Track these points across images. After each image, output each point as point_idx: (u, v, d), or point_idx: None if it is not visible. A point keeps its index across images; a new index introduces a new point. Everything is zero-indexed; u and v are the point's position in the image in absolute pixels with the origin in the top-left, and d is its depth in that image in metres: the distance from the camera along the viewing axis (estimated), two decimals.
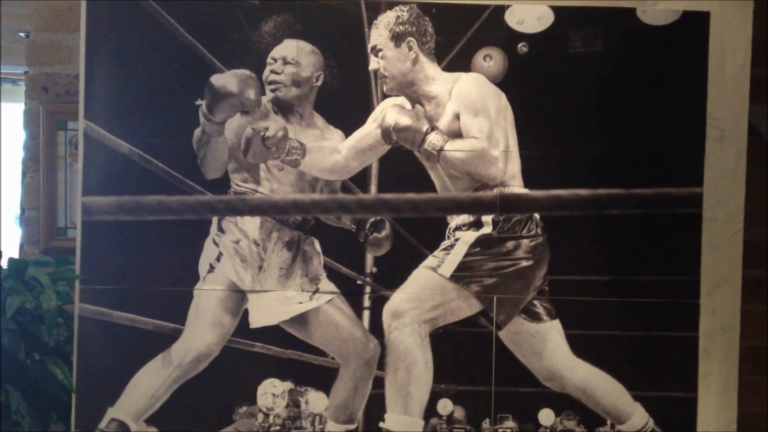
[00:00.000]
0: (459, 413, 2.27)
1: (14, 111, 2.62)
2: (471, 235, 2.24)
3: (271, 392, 2.27)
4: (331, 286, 2.29)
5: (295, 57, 2.24)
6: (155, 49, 2.24)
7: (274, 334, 2.27)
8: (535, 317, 2.26)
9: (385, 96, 2.26)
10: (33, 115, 2.53)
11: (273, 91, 2.25)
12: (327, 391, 2.28)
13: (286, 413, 2.28)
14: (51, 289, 2.07)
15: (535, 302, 2.26)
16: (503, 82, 2.22)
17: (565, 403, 2.26)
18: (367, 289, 2.28)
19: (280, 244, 2.28)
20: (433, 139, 2.19)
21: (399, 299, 2.24)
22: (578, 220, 2.22)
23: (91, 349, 2.25)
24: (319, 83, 2.26)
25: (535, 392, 2.26)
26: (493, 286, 2.22)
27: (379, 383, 2.26)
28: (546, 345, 2.25)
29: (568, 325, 2.25)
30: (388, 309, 2.24)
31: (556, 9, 2.20)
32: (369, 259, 2.28)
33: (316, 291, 2.28)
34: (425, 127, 2.20)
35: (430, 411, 2.25)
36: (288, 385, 2.28)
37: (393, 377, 2.23)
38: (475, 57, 2.22)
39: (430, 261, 2.25)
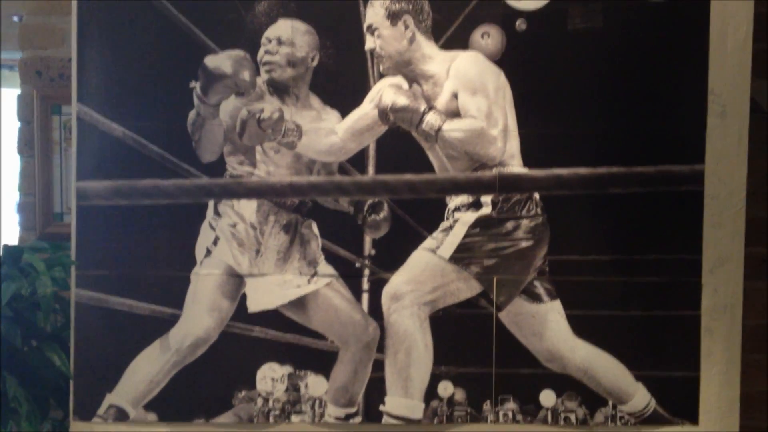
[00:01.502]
0: (459, 395, 2.26)
1: (12, 96, 2.60)
2: (470, 216, 2.22)
3: (271, 376, 2.27)
4: (330, 269, 2.27)
5: (289, 37, 2.21)
6: (148, 31, 2.22)
7: (272, 318, 2.26)
8: (536, 298, 2.24)
9: (381, 76, 2.23)
10: (27, 100, 2.51)
11: (268, 72, 2.22)
12: (327, 374, 2.27)
13: (286, 397, 2.27)
14: (46, 275, 2.06)
15: (536, 283, 2.24)
16: (501, 60, 2.19)
17: (567, 384, 2.25)
18: (366, 271, 2.26)
19: (278, 228, 2.27)
20: (431, 119, 2.17)
21: (398, 281, 2.23)
22: (578, 199, 2.20)
23: (89, 335, 2.25)
24: (314, 63, 2.23)
25: (536, 373, 2.24)
26: (492, 267, 2.21)
27: (378, 366, 2.25)
28: (547, 326, 2.24)
29: (568, 306, 2.24)
30: (387, 291, 2.23)
31: None
32: (367, 241, 2.26)
33: (315, 274, 2.27)
34: (423, 106, 2.17)
35: (431, 393, 2.24)
36: (287, 369, 2.27)
37: (393, 360, 2.22)
38: (473, 35, 2.19)
39: (429, 242, 2.23)
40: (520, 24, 2.18)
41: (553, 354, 2.24)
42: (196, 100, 2.20)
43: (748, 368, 2.30)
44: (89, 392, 2.25)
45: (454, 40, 2.20)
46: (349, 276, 2.27)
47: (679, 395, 2.24)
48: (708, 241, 2.19)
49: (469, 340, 2.25)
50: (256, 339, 2.26)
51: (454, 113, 2.18)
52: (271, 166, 2.25)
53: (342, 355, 2.28)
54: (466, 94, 2.17)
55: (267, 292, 2.26)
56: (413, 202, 2.23)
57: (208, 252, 2.25)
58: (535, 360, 2.24)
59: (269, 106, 2.19)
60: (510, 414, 2.25)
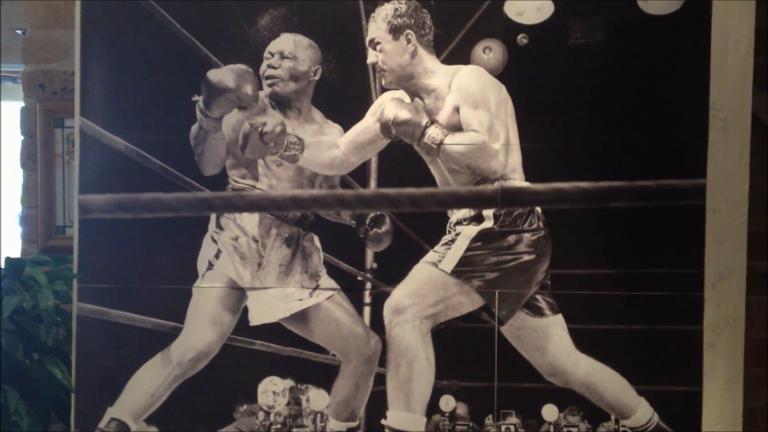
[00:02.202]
0: (461, 409, 2.25)
1: (16, 109, 2.61)
2: (472, 230, 2.22)
3: (272, 390, 2.26)
4: (332, 283, 2.27)
5: (292, 51, 2.22)
6: (151, 45, 2.23)
7: (274, 331, 2.26)
8: (538, 312, 2.24)
9: (383, 90, 2.24)
10: (30, 113, 2.52)
11: (270, 85, 2.23)
12: (328, 388, 2.27)
13: (287, 411, 2.27)
14: (48, 288, 2.07)
15: (538, 297, 2.24)
16: (503, 74, 2.20)
17: (569, 398, 2.24)
18: (368, 285, 2.27)
19: (279, 241, 2.27)
20: (433, 133, 2.17)
21: (400, 295, 2.22)
22: (580, 213, 2.20)
23: (90, 349, 2.25)
24: (316, 77, 2.24)
25: (539, 388, 2.24)
26: (494, 281, 2.20)
27: (380, 380, 2.24)
28: (549, 340, 2.23)
29: (570, 320, 2.23)
30: (389, 305, 2.22)
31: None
32: (369, 254, 2.27)
33: (316, 287, 2.27)
34: (425, 120, 2.18)
35: (433, 407, 2.24)
36: (289, 382, 2.27)
37: (394, 374, 2.21)
38: (475, 49, 2.20)
39: (430, 256, 2.23)
40: (522, 38, 2.19)
41: (555, 368, 2.23)
42: (198, 114, 2.20)
43: (750, 383, 2.29)
44: (90, 405, 2.25)
45: (456, 54, 2.21)
46: (351, 289, 2.27)
47: (681, 410, 2.23)
48: (710, 256, 2.19)
49: (471, 354, 2.24)
50: (257, 352, 2.26)
51: (456, 127, 2.18)
52: (273, 180, 2.26)
53: (343, 369, 2.27)
54: (468, 108, 2.17)
55: (269, 306, 2.26)
56: (415, 215, 2.23)
57: (210, 265, 2.25)
58: (537, 374, 2.24)
59: (271, 120, 2.19)
60: (512, 428, 2.24)
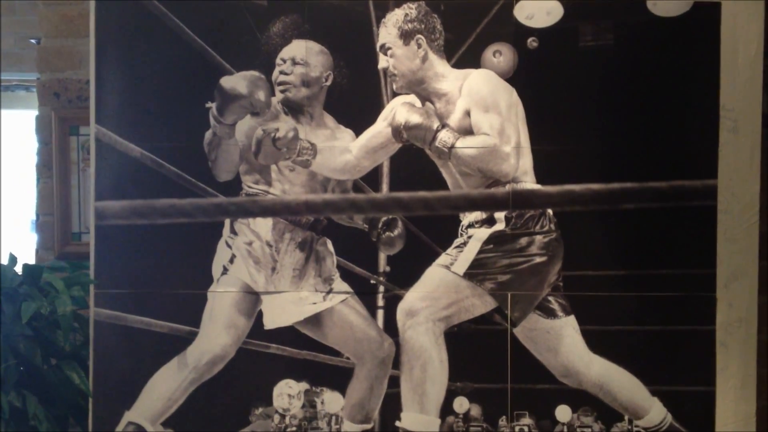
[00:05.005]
0: (475, 411, 2.26)
1: (29, 118, 2.63)
2: (484, 232, 2.23)
3: (287, 393, 2.28)
4: (345, 286, 2.29)
5: (304, 57, 2.23)
6: (164, 53, 2.25)
7: (288, 335, 2.27)
8: (550, 313, 2.25)
9: (395, 94, 2.25)
10: (45, 121, 2.54)
11: (283, 91, 2.25)
12: (343, 391, 2.28)
13: (302, 414, 2.28)
14: (66, 294, 2.08)
15: (550, 298, 2.25)
16: (513, 78, 2.21)
17: (582, 399, 2.25)
18: (381, 288, 2.28)
19: (293, 245, 2.28)
20: (444, 137, 2.18)
21: (413, 298, 2.23)
22: (592, 214, 2.20)
23: (107, 353, 2.26)
24: (328, 83, 2.26)
25: (552, 389, 2.24)
26: (507, 283, 2.21)
27: (394, 382, 2.25)
28: (561, 341, 2.24)
29: (583, 321, 2.24)
30: (402, 308, 2.23)
31: (565, 3, 2.19)
32: (382, 258, 2.28)
33: (330, 291, 2.28)
34: (436, 124, 2.19)
35: (447, 409, 2.25)
36: (303, 385, 2.28)
37: (408, 376, 2.22)
38: (485, 53, 2.21)
39: (443, 259, 2.24)
40: (532, 42, 2.20)
41: (568, 369, 2.24)
42: (212, 121, 2.22)
43: (763, 382, 2.29)
44: (108, 410, 2.26)
45: (467, 58, 2.22)
46: (364, 293, 2.28)
47: (694, 409, 2.24)
48: (722, 256, 2.19)
49: (484, 356, 2.25)
50: (272, 356, 2.27)
51: (467, 131, 2.19)
52: (286, 185, 2.27)
53: (358, 372, 2.28)
54: (479, 111, 2.19)
55: (283, 310, 2.27)
56: (427, 218, 2.24)
57: (225, 270, 2.27)
58: (550, 375, 2.25)
59: (284, 126, 2.20)
60: (526, 429, 2.25)
